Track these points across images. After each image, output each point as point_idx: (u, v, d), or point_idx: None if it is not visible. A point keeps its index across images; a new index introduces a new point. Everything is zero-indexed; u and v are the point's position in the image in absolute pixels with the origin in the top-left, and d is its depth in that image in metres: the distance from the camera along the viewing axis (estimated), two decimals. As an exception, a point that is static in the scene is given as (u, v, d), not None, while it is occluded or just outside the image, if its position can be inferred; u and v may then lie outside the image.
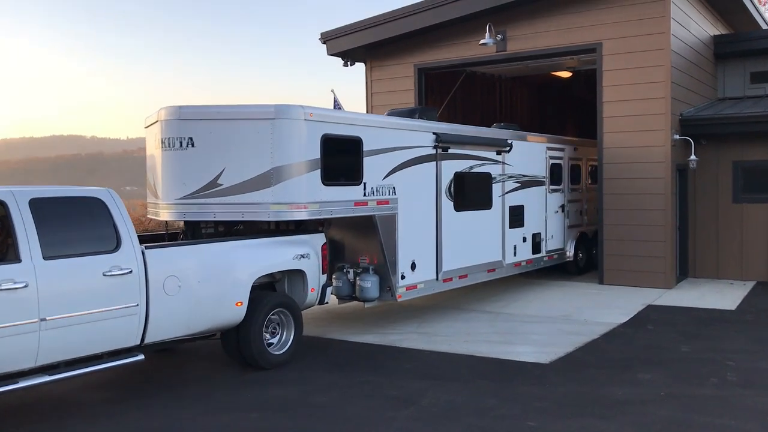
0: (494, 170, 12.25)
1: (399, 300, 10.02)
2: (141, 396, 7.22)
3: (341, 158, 9.20)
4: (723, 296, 12.99)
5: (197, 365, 8.48)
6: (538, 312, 11.56)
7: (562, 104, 22.98)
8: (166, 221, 9.56)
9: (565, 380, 7.65)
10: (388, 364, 8.40)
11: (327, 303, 9.39)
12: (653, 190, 13.80)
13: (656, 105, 13.73)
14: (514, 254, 12.85)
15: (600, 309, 11.78)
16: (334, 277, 9.90)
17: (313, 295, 8.81)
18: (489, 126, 13.38)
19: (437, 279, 10.79)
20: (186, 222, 9.43)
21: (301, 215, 8.58)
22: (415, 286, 10.30)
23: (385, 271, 9.81)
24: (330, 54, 16.99)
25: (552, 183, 14.32)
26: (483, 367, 8.26)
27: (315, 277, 8.80)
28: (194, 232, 9.55)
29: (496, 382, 7.61)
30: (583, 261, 15.67)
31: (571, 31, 14.52)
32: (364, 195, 9.39)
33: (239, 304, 7.76)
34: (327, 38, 16.87)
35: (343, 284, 9.89)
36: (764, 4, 29.34)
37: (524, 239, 13.17)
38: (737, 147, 14.86)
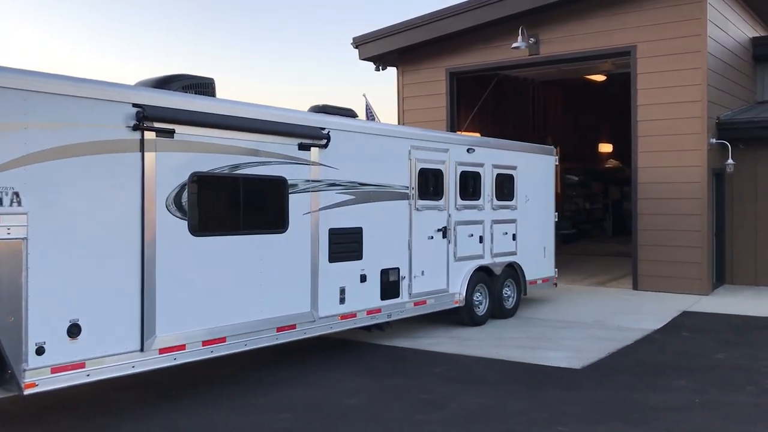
0: (294, 173, 8.08)
1: (30, 391, 5.72)
2: (170, 397, 7.29)
3: None
4: (761, 303, 12.73)
5: (225, 367, 8.56)
6: (571, 317, 11.46)
7: (596, 108, 22.79)
8: None
9: (597, 385, 7.57)
10: (418, 368, 8.39)
11: None
12: (689, 194, 13.60)
13: (692, 108, 13.54)
14: (341, 301, 8.64)
15: (634, 315, 11.63)
16: None
17: None
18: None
19: (142, 350, 6.56)
20: None
21: None
22: (81, 365, 6.07)
23: None
24: (362, 59, 17.09)
25: (423, 196, 9.94)
26: (514, 371, 8.21)
27: None
28: None
29: (527, 386, 7.56)
30: (485, 306, 11.08)
31: (604, 34, 14.40)
32: None
33: None
34: (359, 43, 16.97)
35: None
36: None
37: (363, 278, 8.97)
38: (776, 151, 14.59)
